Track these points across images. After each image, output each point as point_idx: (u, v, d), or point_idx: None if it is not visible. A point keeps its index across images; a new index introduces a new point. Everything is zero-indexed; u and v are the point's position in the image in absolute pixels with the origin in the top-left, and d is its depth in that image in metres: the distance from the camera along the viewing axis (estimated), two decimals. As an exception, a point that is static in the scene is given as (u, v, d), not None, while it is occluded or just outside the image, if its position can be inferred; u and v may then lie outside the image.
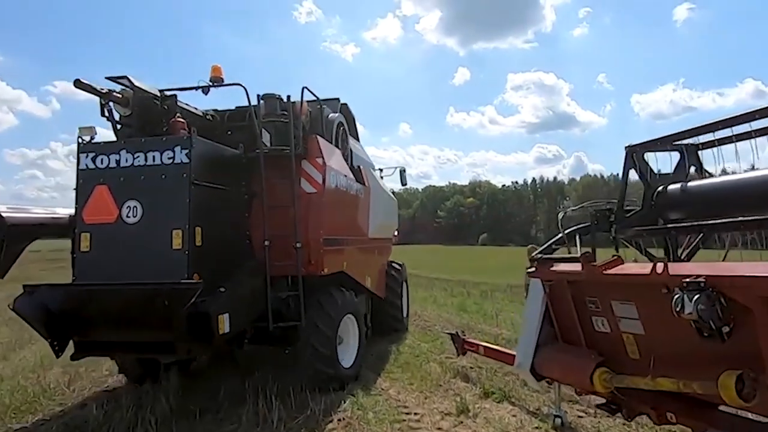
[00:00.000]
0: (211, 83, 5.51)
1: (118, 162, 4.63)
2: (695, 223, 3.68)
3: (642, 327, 3.12)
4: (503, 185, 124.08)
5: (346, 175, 6.50)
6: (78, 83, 4.62)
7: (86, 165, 4.68)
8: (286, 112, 5.66)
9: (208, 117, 6.15)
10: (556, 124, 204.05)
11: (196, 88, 5.57)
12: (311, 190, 5.63)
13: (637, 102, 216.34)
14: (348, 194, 6.58)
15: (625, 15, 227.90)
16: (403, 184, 10.25)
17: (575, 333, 3.65)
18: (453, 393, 5.80)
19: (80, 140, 4.76)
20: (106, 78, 5.02)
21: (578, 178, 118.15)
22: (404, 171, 10.04)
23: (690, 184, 3.89)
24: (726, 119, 3.50)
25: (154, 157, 4.59)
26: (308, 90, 5.80)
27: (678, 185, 3.96)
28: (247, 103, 5.54)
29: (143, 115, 5.05)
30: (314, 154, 5.77)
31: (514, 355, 5.93)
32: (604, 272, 3.17)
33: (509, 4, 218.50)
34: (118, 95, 4.94)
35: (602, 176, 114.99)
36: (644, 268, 3.00)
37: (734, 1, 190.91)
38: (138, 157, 4.61)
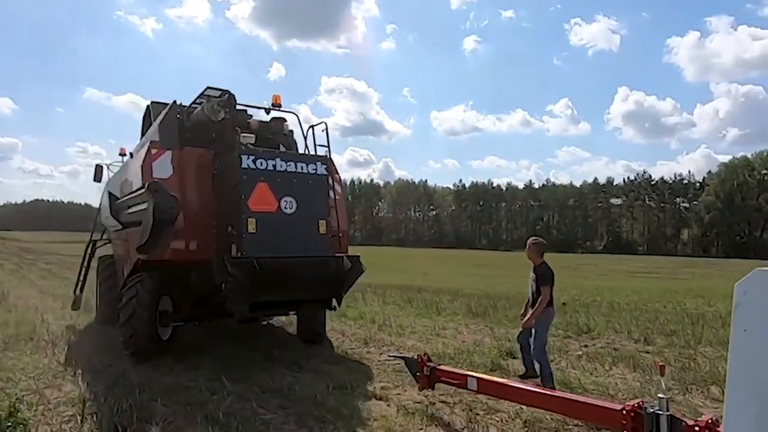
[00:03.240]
0: (272, 106, 7.31)
1: (274, 166, 6.25)
2: None
3: None
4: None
5: None
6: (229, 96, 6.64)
7: (248, 165, 6.08)
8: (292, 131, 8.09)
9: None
10: (366, 130, 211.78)
11: (259, 108, 7.57)
12: (337, 197, 7.24)
13: (435, 118, 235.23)
14: None
15: (425, 37, 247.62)
16: None
17: None
18: (449, 456, 3.78)
19: (242, 144, 6.39)
20: (208, 87, 6.98)
21: (392, 182, 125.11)
22: None
23: None
24: None
25: (302, 167, 6.45)
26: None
27: None
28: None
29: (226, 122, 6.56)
30: (333, 170, 7.37)
31: (536, 392, 4.10)
32: None
33: (323, 7, 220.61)
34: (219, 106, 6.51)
35: (413, 181, 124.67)
36: None
37: (510, 43, 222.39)
38: (290, 164, 6.36)
